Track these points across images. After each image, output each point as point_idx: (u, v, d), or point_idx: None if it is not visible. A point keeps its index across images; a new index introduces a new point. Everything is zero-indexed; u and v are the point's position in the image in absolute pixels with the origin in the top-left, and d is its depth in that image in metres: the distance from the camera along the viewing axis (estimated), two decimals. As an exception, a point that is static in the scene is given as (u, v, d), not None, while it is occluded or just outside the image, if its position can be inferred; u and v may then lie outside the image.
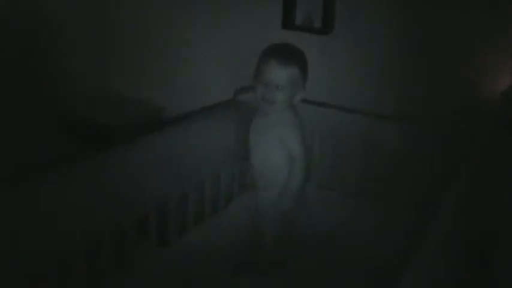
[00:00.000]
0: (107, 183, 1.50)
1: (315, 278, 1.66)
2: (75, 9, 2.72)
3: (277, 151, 1.64)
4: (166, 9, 2.49)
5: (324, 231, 1.87)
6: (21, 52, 2.80)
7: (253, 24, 2.27)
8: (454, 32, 1.95)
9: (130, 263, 1.65)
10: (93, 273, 1.52)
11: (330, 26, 2.10)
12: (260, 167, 1.70)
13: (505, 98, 1.81)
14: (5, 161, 2.52)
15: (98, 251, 1.53)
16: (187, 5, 2.42)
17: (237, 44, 2.33)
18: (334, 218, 1.94)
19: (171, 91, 2.56)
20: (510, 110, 1.76)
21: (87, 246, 1.48)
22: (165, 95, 2.57)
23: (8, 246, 1.26)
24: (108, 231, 1.54)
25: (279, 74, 1.58)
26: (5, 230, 1.25)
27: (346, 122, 2.05)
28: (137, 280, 1.59)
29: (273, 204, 1.66)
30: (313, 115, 2.07)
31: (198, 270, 1.65)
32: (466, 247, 1.67)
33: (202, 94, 2.39)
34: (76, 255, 1.46)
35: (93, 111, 2.56)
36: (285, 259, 1.73)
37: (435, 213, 1.27)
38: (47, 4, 2.74)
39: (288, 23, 2.15)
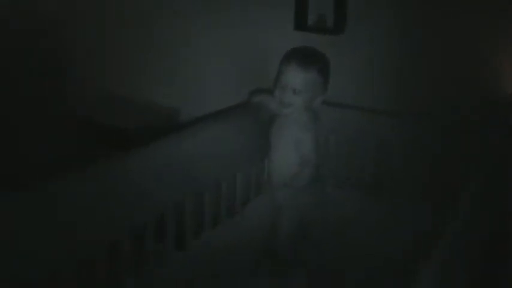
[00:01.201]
0: (123, 186, 1.49)
1: (334, 277, 1.65)
2: (76, 9, 2.72)
3: (293, 152, 1.65)
4: (167, 9, 2.49)
5: (338, 230, 1.86)
6: (22, 52, 2.80)
7: (253, 25, 2.27)
8: (456, 30, 1.95)
9: (148, 265, 1.64)
10: (112, 277, 1.52)
11: (342, 26, 2.09)
12: (277, 165, 1.71)
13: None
14: (10, 161, 2.53)
15: (115, 254, 1.53)
16: (187, 5, 2.42)
17: (237, 45, 2.33)
18: (348, 213, 1.94)
19: (172, 91, 2.56)
20: None
21: (105, 249, 1.47)
22: (166, 95, 2.57)
23: (27, 250, 1.25)
24: (125, 235, 1.54)
25: (296, 78, 1.58)
26: (23, 232, 1.24)
27: (359, 121, 2.05)
28: (155, 283, 1.59)
29: (289, 201, 1.67)
30: (327, 115, 2.07)
31: (216, 272, 1.65)
32: (480, 247, 1.67)
33: (202, 94, 2.40)
34: (94, 258, 1.46)
35: (95, 111, 2.56)
36: (303, 259, 1.72)
37: (453, 213, 1.27)
38: (48, 4, 2.74)
39: (300, 23, 2.14)
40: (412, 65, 2.04)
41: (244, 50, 2.26)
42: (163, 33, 2.52)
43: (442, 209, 1.39)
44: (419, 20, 1.99)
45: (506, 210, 1.78)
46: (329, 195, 1.95)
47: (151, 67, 2.60)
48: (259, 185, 2.11)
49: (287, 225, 1.69)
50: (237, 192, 2.01)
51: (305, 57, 1.62)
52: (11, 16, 2.78)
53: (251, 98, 1.82)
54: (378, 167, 2.05)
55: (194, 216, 1.80)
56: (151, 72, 2.60)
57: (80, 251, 1.40)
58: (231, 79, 2.32)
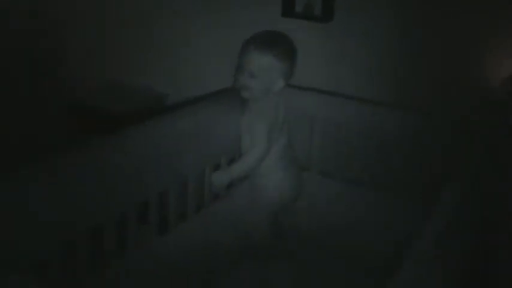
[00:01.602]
0: (107, 170, 1.49)
1: (316, 268, 1.65)
2: (76, 9, 2.72)
3: (248, 137, 1.64)
4: (166, 9, 2.49)
5: (323, 219, 1.86)
6: (21, 52, 2.80)
7: (253, 25, 2.26)
8: (456, 30, 1.95)
9: (131, 249, 1.64)
10: (94, 260, 1.52)
11: (330, 14, 2.09)
12: (244, 151, 1.70)
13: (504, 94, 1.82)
14: (11, 149, 2.52)
15: (98, 238, 1.53)
16: (187, 5, 2.42)
17: (237, 45, 2.33)
18: (334, 206, 1.93)
19: (174, 80, 2.56)
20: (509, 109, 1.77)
21: (88, 233, 1.47)
22: (168, 83, 2.57)
23: (9, 236, 1.25)
24: (108, 220, 1.54)
25: (251, 61, 1.58)
26: (4, 218, 1.24)
27: (346, 109, 2.03)
28: (136, 267, 1.59)
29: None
30: (314, 103, 2.07)
31: (198, 258, 1.65)
32: (468, 244, 1.67)
33: (203, 83, 2.39)
34: (77, 242, 1.45)
35: (97, 100, 2.57)
36: (283, 247, 1.72)
37: (434, 209, 1.27)
38: (48, 4, 2.75)
39: (287, 10, 2.14)
40: (411, 64, 2.04)
41: (243, 38, 2.25)
42: (163, 33, 2.52)
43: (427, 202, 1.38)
44: (418, 20, 1.99)
45: (506, 210, 1.77)
46: (313, 184, 1.96)
47: (151, 67, 2.60)
48: None
49: (258, 213, 1.69)
50: None
51: (263, 41, 1.60)
52: (11, 16, 2.78)
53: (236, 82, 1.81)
54: (364, 156, 2.03)
55: (178, 201, 1.79)
56: (151, 72, 2.60)
57: (61, 234, 1.39)
58: (230, 79, 2.31)
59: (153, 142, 1.64)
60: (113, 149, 1.53)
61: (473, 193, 1.56)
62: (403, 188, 1.93)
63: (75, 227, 1.43)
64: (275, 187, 1.67)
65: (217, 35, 2.36)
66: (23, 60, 2.82)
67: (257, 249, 1.70)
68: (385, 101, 2.08)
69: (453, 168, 1.50)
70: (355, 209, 1.93)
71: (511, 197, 1.75)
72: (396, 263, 1.09)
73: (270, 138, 1.61)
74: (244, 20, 2.28)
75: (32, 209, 1.30)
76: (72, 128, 2.57)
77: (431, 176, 1.83)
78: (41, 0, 2.76)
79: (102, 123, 2.43)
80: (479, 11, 1.89)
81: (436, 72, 2.00)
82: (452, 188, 1.39)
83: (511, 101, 1.80)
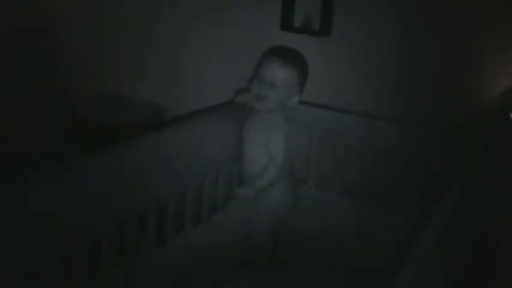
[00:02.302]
0: (106, 182, 1.49)
1: (314, 278, 1.66)
2: (76, 9, 2.72)
3: (263, 151, 1.64)
4: (167, 9, 2.49)
5: (322, 231, 1.87)
6: (21, 52, 2.81)
7: (253, 25, 2.28)
8: (454, 32, 1.95)
9: (129, 261, 1.64)
10: (93, 272, 1.52)
11: (328, 28, 2.12)
12: (248, 166, 1.70)
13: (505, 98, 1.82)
14: (7, 159, 2.52)
15: (97, 250, 1.53)
16: (187, 5, 2.43)
17: (237, 45, 2.34)
18: (332, 218, 1.94)
19: (172, 91, 2.57)
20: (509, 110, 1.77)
21: (86, 245, 1.47)
22: (167, 95, 2.58)
23: (7, 245, 1.25)
24: (107, 231, 1.54)
25: (276, 71, 1.58)
26: (4, 228, 1.24)
27: (344, 123, 2.05)
28: (136, 278, 1.59)
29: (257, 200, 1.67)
30: (312, 116, 2.08)
31: (196, 270, 1.65)
32: (468, 244, 1.67)
33: (202, 94, 2.40)
34: (76, 254, 1.46)
35: (95, 111, 2.57)
36: (282, 258, 1.73)
37: (434, 209, 1.27)
38: (48, 4, 2.75)
39: (286, 24, 2.17)
40: (405, 67, 2.05)
41: (244, 50, 2.26)
42: (163, 33, 2.53)
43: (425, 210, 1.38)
44: (420, 21, 2.00)
45: (506, 210, 1.77)
46: (310, 197, 1.97)
47: (151, 67, 2.60)
48: (241, 182, 2.10)
49: (258, 223, 1.69)
50: (219, 190, 2.00)
51: (287, 53, 1.62)
52: (11, 16, 2.78)
53: (235, 97, 1.81)
54: (362, 169, 2.05)
55: (176, 213, 1.80)
56: (151, 72, 2.61)
57: (60, 247, 1.39)
58: (230, 79, 2.32)
59: (153, 154, 1.64)
60: (113, 159, 1.53)
61: (473, 193, 1.56)
62: (401, 199, 1.93)
63: (74, 240, 1.43)
64: (277, 198, 1.68)
65: (217, 35, 2.37)
66: (23, 63, 2.82)
67: (257, 260, 1.71)
68: (383, 102, 2.09)
69: (453, 174, 1.50)
70: (352, 219, 1.94)
71: (511, 197, 1.75)
72: (396, 266, 1.09)
73: (287, 151, 1.64)
74: (244, 20, 2.29)
75: (31, 218, 1.30)
76: (70, 138, 2.57)
77: (429, 187, 1.83)
78: (40, 0, 2.76)
79: (100, 135, 2.43)
80: (479, 12, 1.89)
81: (436, 73, 2.00)
82: (452, 188, 1.39)
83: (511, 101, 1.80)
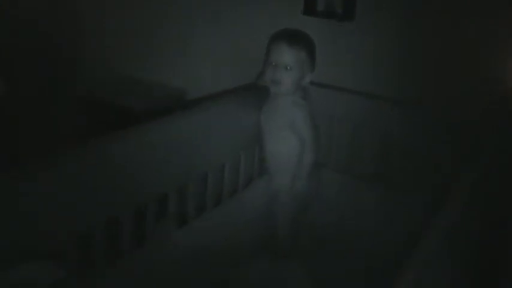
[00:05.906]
0: (127, 163, 1.51)
1: (333, 267, 1.67)
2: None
3: (287, 135, 1.67)
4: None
5: (337, 216, 1.87)
6: (42, 36, 2.84)
7: (274, 9, 2.26)
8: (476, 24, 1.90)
9: (150, 242, 1.67)
10: (113, 252, 1.55)
11: (352, 12, 2.08)
12: (272, 152, 1.73)
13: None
14: (26, 141, 2.59)
15: (118, 230, 1.56)
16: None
17: (259, 29, 2.31)
18: (348, 202, 1.94)
19: (191, 74, 2.57)
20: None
21: (104, 225, 1.49)
22: (185, 78, 2.59)
23: (28, 225, 1.27)
24: (128, 211, 1.56)
25: (285, 55, 1.62)
26: (24, 208, 1.26)
27: (364, 107, 2.04)
28: (155, 259, 1.61)
29: (286, 188, 1.70)
30: (332, 100, 2.08)
31: (216, 252, 1.67)
32: (475, 243, 1.66)
33: (219, 80, 2.41)
34: (96, 233, 1.48)
35: (113, 94, 2.58)
36: (303, 249, 1.74)
37: (441, 207, 1.27)
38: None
39: (309, 8, 2.14)
40: (427, 53, 2.00)
41: (266, 34, 2.26)
42: (182, 15, 2.52)
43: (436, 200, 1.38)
44: (429, 14, 1.96)
45: (506, 210, 1.75)
46: (327, 180, 1.96)
47: (170, 51, 2.60)
48: (262, 166, 2.08)
49: (283, 211, 1.71)
50: (240, 173, 2.01)
51: (292, 35, 1.66)
52: (34, 5, 2.82)
53: (257, 79, 1.81)
54: (379, 153, 2.03)
55: (196, 195, 1.81)
56: (169, 55, 2.61)
57: (80, 226, 1.41)
58: (252, 63, 2.31)
59: (173, 136, 1.66)
60: (135, 141, 1.55)
61: (480, 192, 1.55)
62: (416, 186, 1.91)
63: (94, 220, 1.45)
64: (303, 189, 1.70)
65: (240, 19, 2.35)
66: (43, 44, 2.85)
67: (278, 248, 1.72)
68: (405, 88, 2.06)
69: (464, 168, 1.48)
70: (368, 202, 1.93)
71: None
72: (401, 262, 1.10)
73: (314, 126, 1.67)
74: (265, 6, 2.27)
75: (50, 199, 1.32)
76: (90, 121, 2.59)
77: (442, 176, 1.81)
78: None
79: (120, 119, 2.44)
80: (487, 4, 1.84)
81: (451, 70, 1.96)
82: (460, 186, 1.38)
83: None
